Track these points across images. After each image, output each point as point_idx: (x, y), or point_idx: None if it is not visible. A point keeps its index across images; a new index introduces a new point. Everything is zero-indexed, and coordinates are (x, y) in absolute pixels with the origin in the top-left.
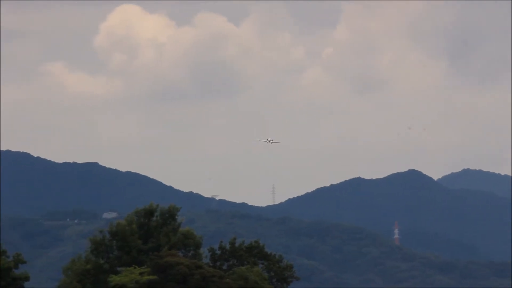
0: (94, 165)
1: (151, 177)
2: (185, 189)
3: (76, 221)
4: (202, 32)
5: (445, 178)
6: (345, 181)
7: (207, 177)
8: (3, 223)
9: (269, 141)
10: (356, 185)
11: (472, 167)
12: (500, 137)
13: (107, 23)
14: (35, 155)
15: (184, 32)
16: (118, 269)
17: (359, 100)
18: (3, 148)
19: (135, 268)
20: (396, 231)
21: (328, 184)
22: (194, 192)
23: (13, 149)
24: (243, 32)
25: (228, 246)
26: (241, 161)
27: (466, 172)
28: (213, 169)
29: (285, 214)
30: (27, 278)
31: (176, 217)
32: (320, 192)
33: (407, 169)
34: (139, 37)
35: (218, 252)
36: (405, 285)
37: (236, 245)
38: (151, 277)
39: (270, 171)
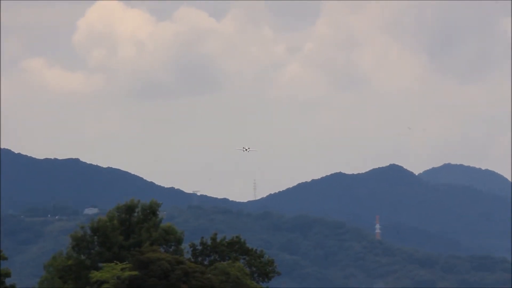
0: (75, 161)
1: (132, 173)
2: (166, 185)
3: (57, 217)
4: (183, 28)
5: (426, 172)
6: (327, 176)
7: (189, 172)
8: None
9: (246, 150)
10: (337, 180)
11: (453, 161)
12: (480, 132)
13: (86, 18)
14: (16, 152)
15: (165, 27)
16: (100, 265)
17: (339, 95)
18: None
19: (116, 264)
20: (377, 225)
21: (309, 179)
22: (176, 188)
23: None
24: (224, 27)
25: (209, 242)
26: (223, 156)
27: (447, 167)
28: (195, 165)
29: (266, 209)
30: (8, 275)
31: (157, 212)
32: (302, 187)
33: (388, 164)
34: (118, 32)
35: (200, 247)
36: (386, 280)
37: (218, 240)
38: (132, 272)
39: (251, 167)
